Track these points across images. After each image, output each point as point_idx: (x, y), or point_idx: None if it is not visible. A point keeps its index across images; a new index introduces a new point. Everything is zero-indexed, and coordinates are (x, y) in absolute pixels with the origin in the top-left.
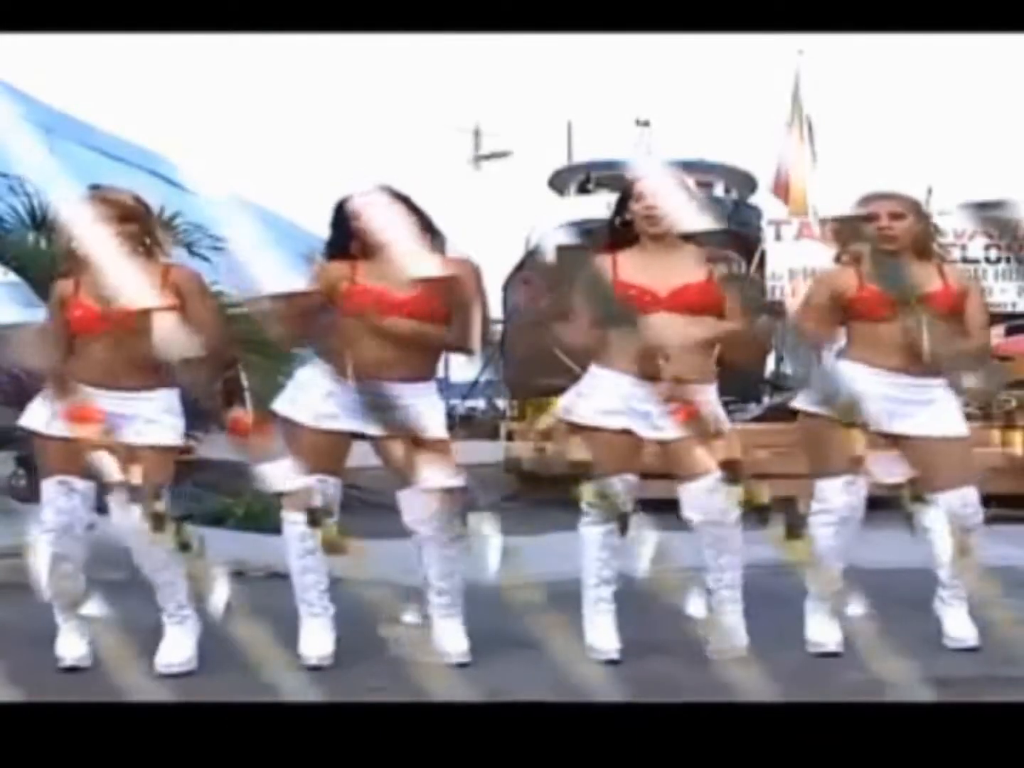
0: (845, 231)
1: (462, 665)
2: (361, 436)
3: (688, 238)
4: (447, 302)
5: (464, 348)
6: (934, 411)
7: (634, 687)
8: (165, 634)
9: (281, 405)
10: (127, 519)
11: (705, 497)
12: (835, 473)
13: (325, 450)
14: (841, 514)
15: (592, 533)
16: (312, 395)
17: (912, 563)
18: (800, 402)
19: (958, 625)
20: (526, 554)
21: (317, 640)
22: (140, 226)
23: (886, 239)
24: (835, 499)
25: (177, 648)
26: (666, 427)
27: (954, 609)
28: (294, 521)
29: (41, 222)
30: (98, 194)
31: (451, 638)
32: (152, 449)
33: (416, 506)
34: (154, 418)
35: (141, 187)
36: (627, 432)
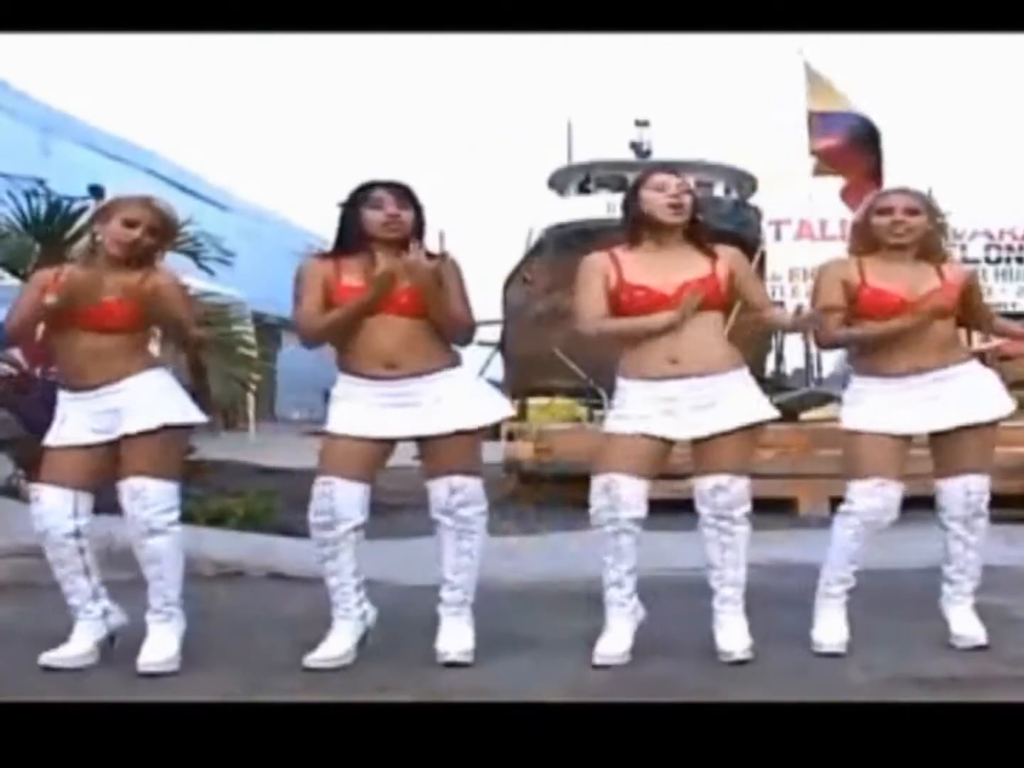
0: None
1: (463, 664)
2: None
3: (689, 236)
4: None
5: (451, 332)
6: (957, 399)
7: (636, 687)
8: (149, 632)
9: (329, 425)
10: (134, 511)
11: (710, 493)
12: (864, 475)
13: (360, 455)
14: (865, 516)
15: (601, 535)
16: (348, 405)
17: (915, 563)
18: (845, 420)
19: (962, 623)
20: (526, 554)
21: (330, 642)
22: (158, 241)
23: (898, 233)
24: (860, 501)
25: (160, 647)
26: (699, 424)
27: (959, 607)
28: (316, 524)
29: (44, 227)
30: (147, 200)
31: (456, 636)
32: (140, 436)
33: (440, 494)
34: (135, 406)
35: (140, 187)
36: (654, 437)
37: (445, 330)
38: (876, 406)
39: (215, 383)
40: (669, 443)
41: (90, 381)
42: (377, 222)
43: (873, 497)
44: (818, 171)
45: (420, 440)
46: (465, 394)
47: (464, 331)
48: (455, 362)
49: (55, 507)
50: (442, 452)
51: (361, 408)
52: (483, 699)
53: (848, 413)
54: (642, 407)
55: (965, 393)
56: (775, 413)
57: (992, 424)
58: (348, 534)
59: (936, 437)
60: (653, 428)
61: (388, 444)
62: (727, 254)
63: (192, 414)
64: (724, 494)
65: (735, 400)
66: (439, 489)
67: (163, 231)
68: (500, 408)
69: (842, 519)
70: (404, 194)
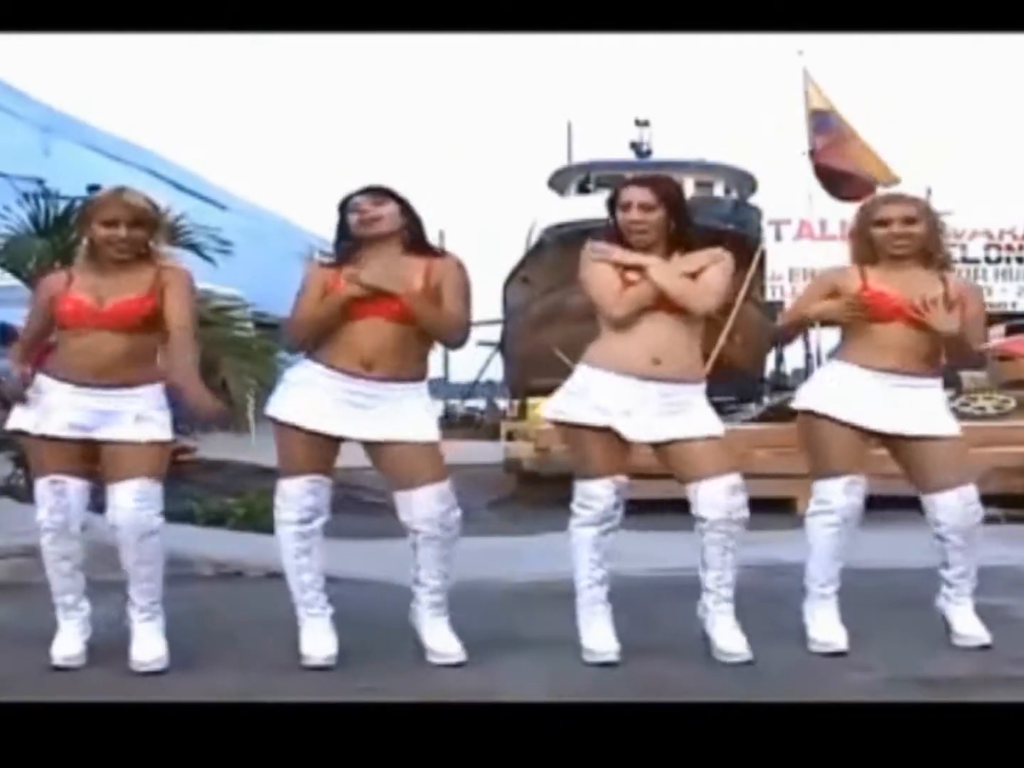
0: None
1: (457, 665)
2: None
3: (683, 239)
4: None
5: (444, 338)
6: (927, 410)
7: (634, 687)
8: (135, 632)
9: (274, 408)
10: (119, 512)
11: (725, 496)
12: (837, 473)
13: (318, 450)
14: (843, 514)
15: (584, 534)
16: (305, 396)
17: (912, 563)
18: (799, 401)
19: (966, 623)
20: (526, 554)
21: (320, 640)
22: (148, 231)
23: (898, 245)
24: (836, 499)
25: (150, 646)
26: (658, 429)
27: (961, 608)
28: (288, 521)
29: (46, 227)
30: (118, 196)
31: (444, 636)
32: (140, 445)
33: (411, 507)
34: (142, 415)
35: (140, 187)
36: (613, 431)
37: (437, 334)
38: (847, 393)
39: (231, 382)
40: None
41: (102, 378)
42: (354, 224)
43: (849, 495)
44: (819, 174)
45: (373, 447)
46: (417, 408)
47: (457, 333)
48: (422, 376)
49: (80, 500)
50: (407, 462)
51: (324, 401)
52: (482, 699)
53: (813, 393)
54: (611, 400)
55: (929, 406)
56: (721, 430)
57: (956, 439)
58: (320, 528)
59: (909, 453)
60: (615, 424)
61: (339, 442)
62: (709, 256)
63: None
64: (740, 494)
65: (698, 412)
66: (423, 499)
67: (145, 220)
68: (434, 431)
69: (819, 519)
70: (381, 193)
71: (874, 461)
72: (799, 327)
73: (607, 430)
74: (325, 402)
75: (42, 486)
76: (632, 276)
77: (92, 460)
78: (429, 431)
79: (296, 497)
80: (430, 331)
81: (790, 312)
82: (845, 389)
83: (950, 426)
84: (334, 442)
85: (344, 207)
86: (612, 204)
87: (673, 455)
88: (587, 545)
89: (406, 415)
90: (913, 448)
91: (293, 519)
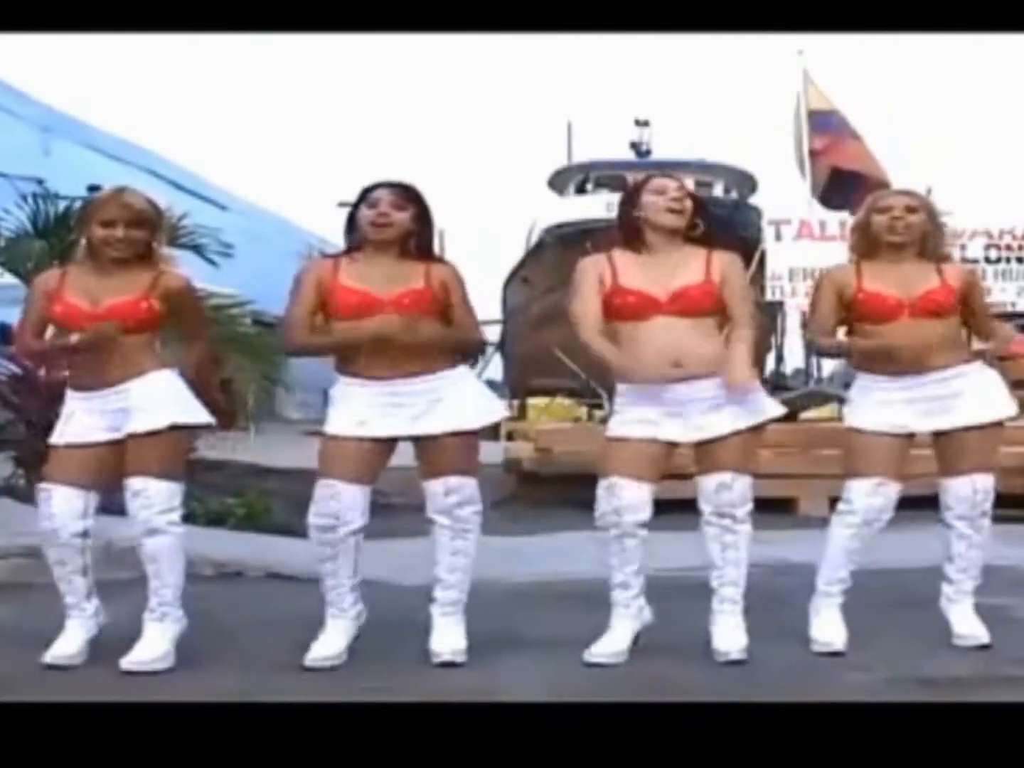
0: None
1: (456, 664)
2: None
3: (688, 240)
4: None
5: (464, 351)
6: (956, 399)
7: (634, 687)
8: (143, 631)
9: (327, 426)
10: (134, 510)
11: (714, 491)
12: (864, 474)
13: (362, 457)
14: (865, 516)
15: (601, 536)
16: (345, 408)
17: (915, 563)
18: (847, 418)
19: (965, 622)
20: (526, 554)
21: (325, 642)
22: (147, 232)
23: (897, 231)
24: (860, 500)
25: (148, 646)
26: (706, 426)
27: (960, 606)
28: (310, 525)
29: (45, 227)
30: (117, 196)
31: (449, 636)
32: (137, 440)
33: (426, 496)
34: (143, 405)
35: (140, 187)
36: (657, 440)
37: (459, 349)
38: (877, 404)
39: (239, 380)
40: (672, 445)
41: (102, 380)
42: (367, 220)
43: (873, 496)
44: (822, 197)
45: (417, 440)
46: (463, 395)
47: (470, 347)
48: (455, 362)
49: (66, 507)
50: (439, 453)
51: (360, 408)
52: (483, 699)
53: (850, 410)
54: (646, 411)
55: (968, 393)
56: (781, 410)
57: (996, 424)
58: (348, 537)
59: (940, 436)
60: (659, 432)
61: (388, 444)
62: (723, 259)
63: (197, 415)
64: (727, 492)
65: (741, 401)
66: (435, 489)
67: (145, 220)
68: (496, 410)
69: (841, 518)
70: (405, 195)
71: None
72: (832, 344)
73: (642, 440)
74: (361, 409)
75: (37, 493)
76: (634, 287)
77: (99, 466)
78: (460, 421)
79: (316, 501)
80: (452, 350)
81: (819, 329)
82: (873, 400)
83: (984, 412)
84: (377, 447)
85: (360, 199)
86: (631, 197)
87: (696, 450)
88: (605, 548)
89: (443, 405)
90: (948, 437)
91: (313, 524)
